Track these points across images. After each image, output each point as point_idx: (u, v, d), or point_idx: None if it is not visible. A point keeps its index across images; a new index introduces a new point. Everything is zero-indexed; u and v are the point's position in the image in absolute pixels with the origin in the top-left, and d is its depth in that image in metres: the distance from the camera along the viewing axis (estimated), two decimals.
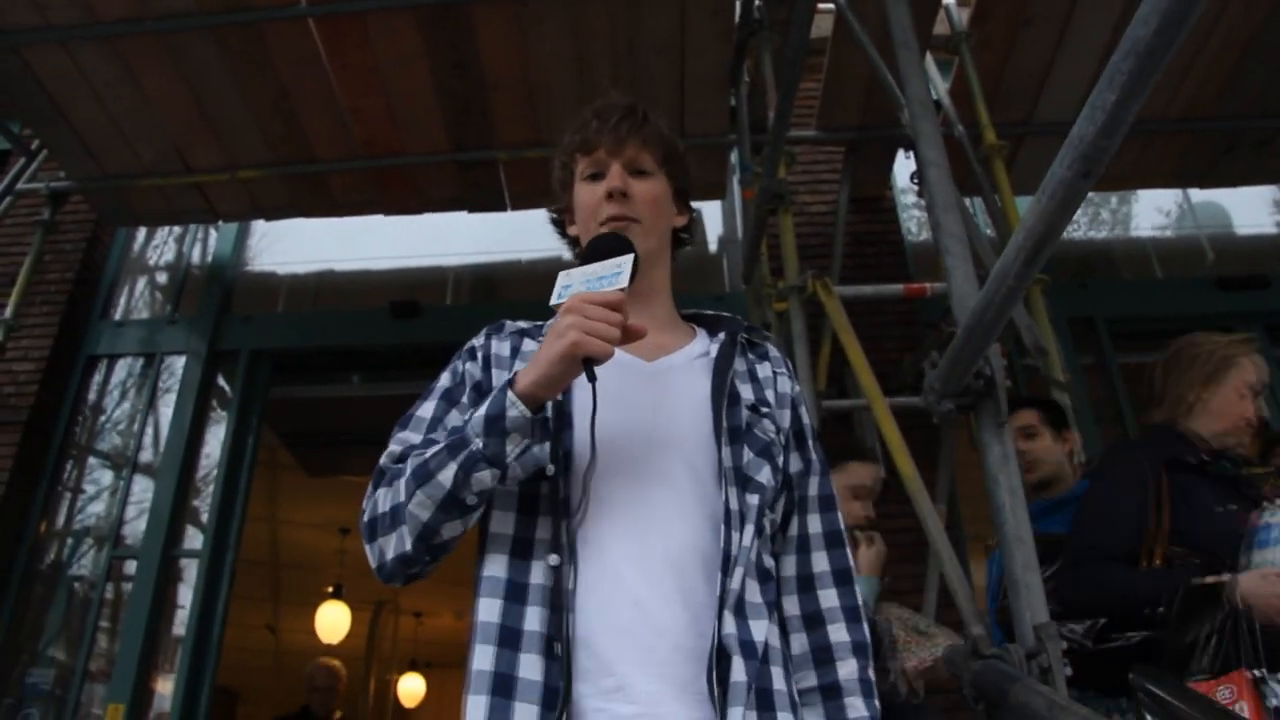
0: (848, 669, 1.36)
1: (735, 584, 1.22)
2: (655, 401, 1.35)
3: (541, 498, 1.28)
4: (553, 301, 1.27)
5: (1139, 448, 2.59)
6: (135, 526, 4.98)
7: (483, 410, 1.22)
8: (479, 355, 1.46)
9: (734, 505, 1.27)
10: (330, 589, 9.26)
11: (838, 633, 1.38)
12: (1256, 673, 1.98)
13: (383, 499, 1.29)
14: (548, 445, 1.27)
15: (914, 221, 5.58)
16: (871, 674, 1.38)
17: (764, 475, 1.33)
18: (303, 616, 9.57)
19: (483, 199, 5.16)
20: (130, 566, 4.89)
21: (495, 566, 1.27)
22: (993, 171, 4.16)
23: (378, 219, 5.37)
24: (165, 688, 4.67)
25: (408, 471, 1.26)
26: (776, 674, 1.25)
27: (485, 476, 1.20)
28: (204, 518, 4.99)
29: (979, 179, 4.26)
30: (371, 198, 5.15)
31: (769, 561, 1.34)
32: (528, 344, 1.47)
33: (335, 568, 9.35)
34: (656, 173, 1.52)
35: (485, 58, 4.35)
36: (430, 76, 4.44)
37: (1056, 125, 4.84)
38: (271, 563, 9.34)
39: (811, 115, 5.05)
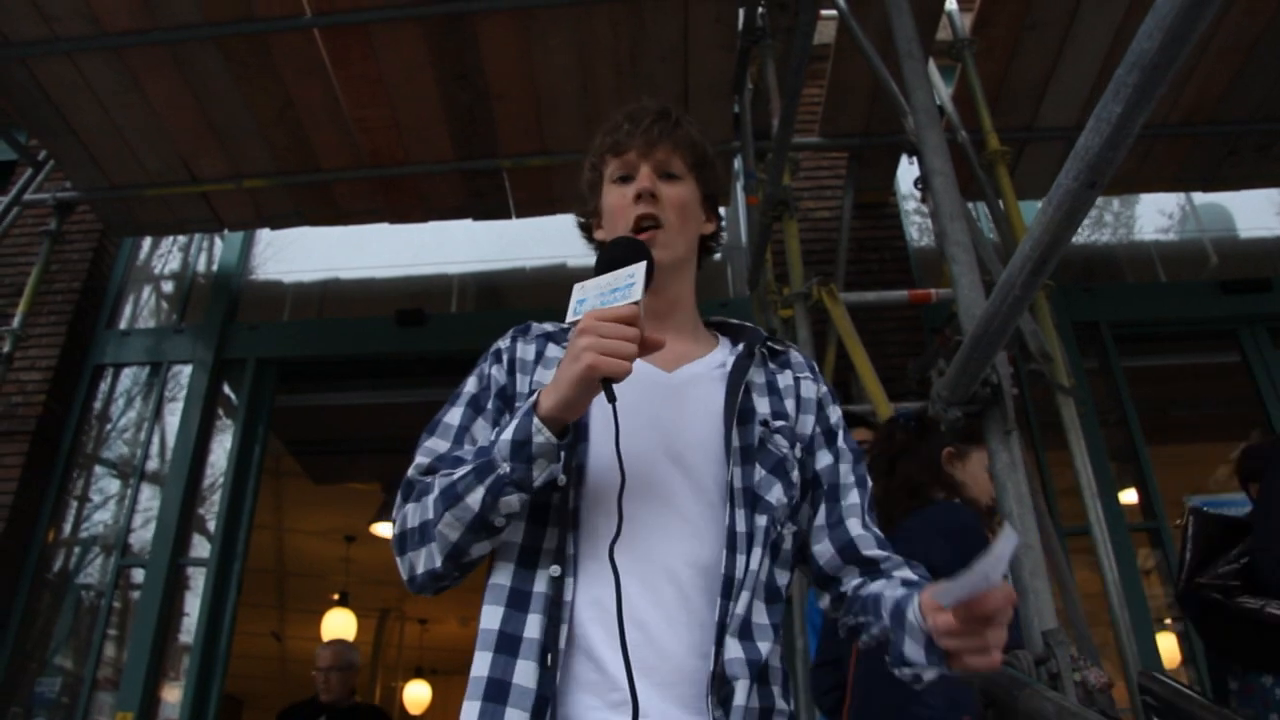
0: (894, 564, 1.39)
1: (740, 608, 1.22)
2: (671, 417, 1.34)
3: (551, 508, 1.28)
4: (568, 319, 1.25)
5: None
6: (142, 535, 5.00)
7: (509, 434, 1.21)
8: (504, 358, 1.45)
9: (740, 527, 1.26)
10: (336, 596, 9.28)
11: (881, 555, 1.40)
12: None
13: (412, 514, 1.29)
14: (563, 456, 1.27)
15: (916, 227, 5.59)
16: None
17: (775, 494, 1.32)
18: (308, 624, 9.58)
19: (487, 207, 5.18)
20: (138, 575, 4.91)
21: (502, 575, 1.28)
22: (996, 177, 4.17)
23: (382, 227, 5.38)
24: (173, 696, 4.69)
25: (435, 491, 1.26)
26: (777, 693, 1.25)
27: (513, 500, 1.20)
28: (211, 526, 5.01)
29: (982, 184, 4.26)
30: (376, 206, 5.17)
31: (781, 580, 1.32)
32: (552, 349, 1.46)
33: (341, 575, 9.37)
34: (686, 177, 1.50)
35: (490, 68, 4.37)
36: (435, 86, 4.45)
37: (1059, 130, 4.86)
38: (277, 570, 9.35)
39: (815, 122, 5.07)
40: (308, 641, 9.86)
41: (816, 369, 1.52)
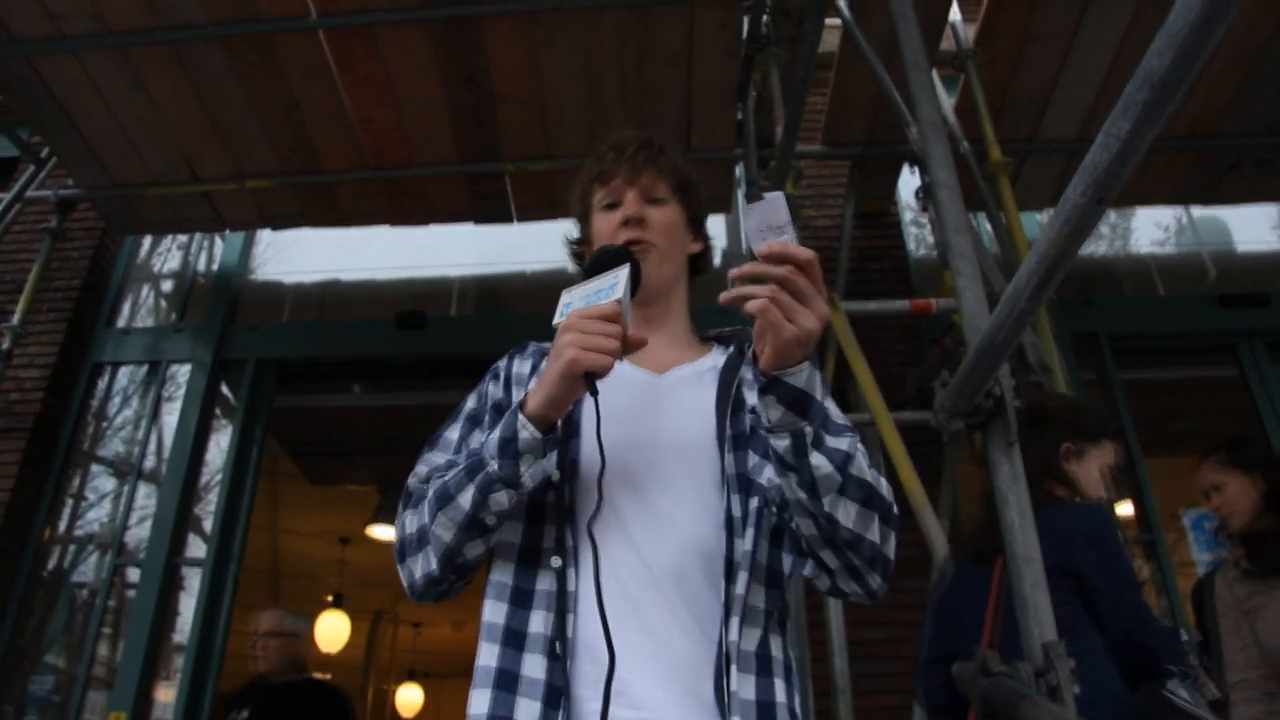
0: None
1: (740, 589, 1.24)
2: (662, 412, 1.38)
3: (548, 506, 1.32)
4: (555, 321, 1.28)
5: None
6: (138, 534, 4.99)
7: (496, 433, 1.26)
8: (500, 376, 1.51)
9: (736, 511, 1.30)
10: (330, 598, 9.26)
11: None
12: None
13: (410, 521, 1.33)
14: (555, 454, 1.31)
15: (916, 237, 5.60)
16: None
17: (766, 476, 1.34)
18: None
19: (490, 211, 5.18)
20: (133, 574, 4.90)
21: (503, 573, 1.31)
22: (998, 188, 4.18)
23: (383, 229, 5.38)
24: (167, 696, 4.67)
25: (430, 494, 1.30)
26: (779, 686, 1.26)
27: (502, 497, 1.24)
28: (207, 526, 5.00)
29: (984, 195, 4.28)
30: (379, 208, 5.17)
31: (780, 564, 1.34)
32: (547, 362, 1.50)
33: (335, 577, 9.35)
34: (671, 200, 1.56)
35: (495, 71, 4.38)
36: (440, 89, 4.46)
37: (1061, 142, 4.87)
38: (271, 571, 9.34)
39: (817, 130, 5.07)
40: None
41: None
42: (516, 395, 1.46)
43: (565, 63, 4.35)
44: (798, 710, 1.29)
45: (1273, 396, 4.91)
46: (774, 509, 1.32)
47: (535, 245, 5.56)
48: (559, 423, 1.28)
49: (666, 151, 1.59)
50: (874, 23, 4.07)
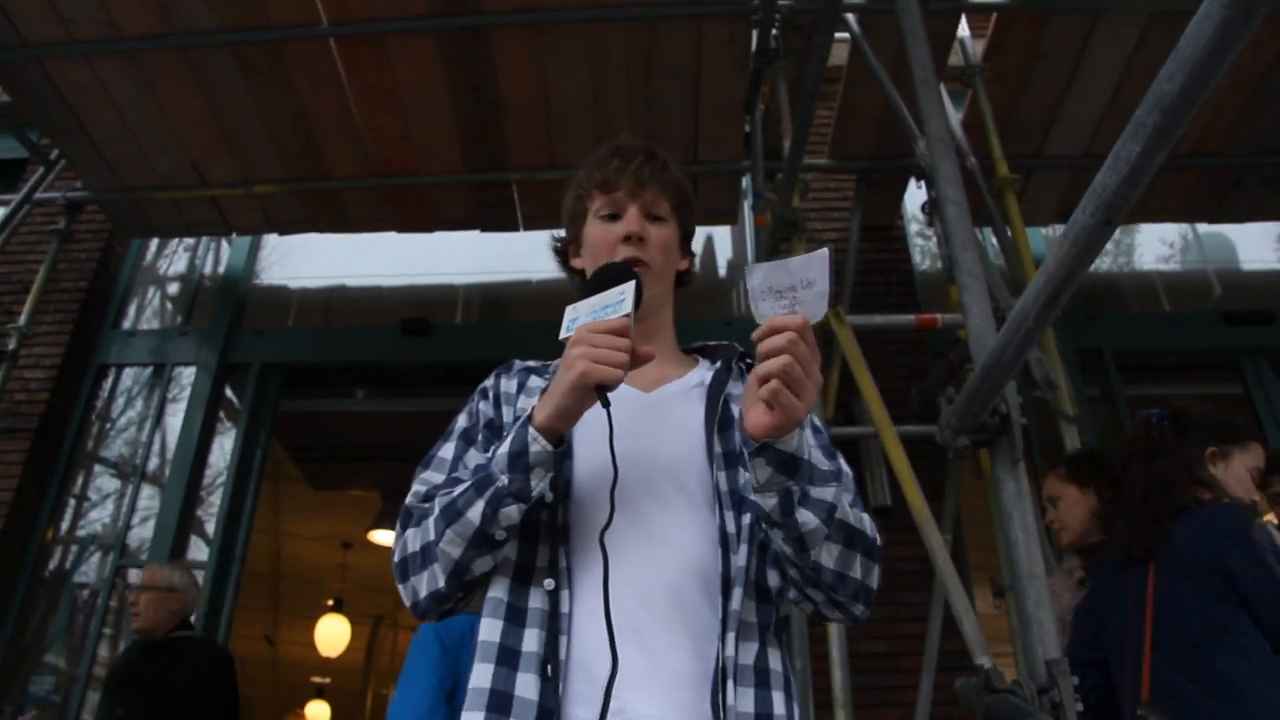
0: None
1: (735, 605, 1.24)
2: (652, 430, 1.37)
3: (541, 525, 1.31)
4: (562, 335, 1.28)
5: None
6: (141, 535, 5.00)
7: (505, 447, 1.25)
8: (490, 395, 1.51)
9: (730, 528, 1.30)
10: (330, 602, 9.26)
11: None
12: None
13: (412, 539, 1.32)
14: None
15: (921, 250, 5.61)
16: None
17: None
18: (302, 629, 9.57)
19: (495, 219, 5.20)
20: (135, 575, 4.90)
21: (498, 589, 1.31)
22: (1004, 203, 4.19)
23: (388, 236, 5.40)
24: None
25: (436, 510, 1.29)
26: (777, 699, 1.25)
27: (512, 511, 1.24)
28: (210, 529, 5.01)
29: (990, 210, 4.28)
30: (385, 215, 5.19)
31: (769, 581, 1.33)
32: (534, 380, 1.52)
33: (336, 581, 9.35)
34: (670, 218, 1.56)
35: (503, 81, 4.39)
36: (448, 98, 4.48)
37: (1067, 159, 4.88)
38: (272, 574, 9.34)
39: (824, 143, 5.09)
40: (301, 647, 9.86)
41: None
42: (505, 413, 1.47)
43: (572, 74, 4.37)
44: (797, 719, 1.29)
45: (1277, 413, 4.91)
46: (764, 525, 1.31)
47: (541, 254, 5.51)
48: (566, 436, 1.28)
49: (670, 167, 1.58)
50: (882, 38, 4.08)
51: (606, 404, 1.22)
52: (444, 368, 5.39)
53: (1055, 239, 5.57)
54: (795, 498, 1.19)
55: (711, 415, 1.39)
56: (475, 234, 5.36)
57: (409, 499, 1.38)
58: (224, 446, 5.27)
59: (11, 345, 4.83)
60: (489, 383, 1.54)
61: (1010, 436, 1.83)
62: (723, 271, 5.72)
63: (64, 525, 5.11)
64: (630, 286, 1.27)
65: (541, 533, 1.31)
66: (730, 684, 1.19)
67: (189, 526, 5.03)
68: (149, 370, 5.50)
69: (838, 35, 4.11)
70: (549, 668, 1.20)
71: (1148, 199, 5.03)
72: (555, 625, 1.23)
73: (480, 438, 1.45)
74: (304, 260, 5.96)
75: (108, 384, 5.50)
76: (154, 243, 6.05)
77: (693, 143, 4.71)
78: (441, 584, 1.28)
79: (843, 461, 1.41)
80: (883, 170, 5.08)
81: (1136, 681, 2.33)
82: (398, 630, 11.13)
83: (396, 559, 1.35)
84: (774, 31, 4.45)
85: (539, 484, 1.24)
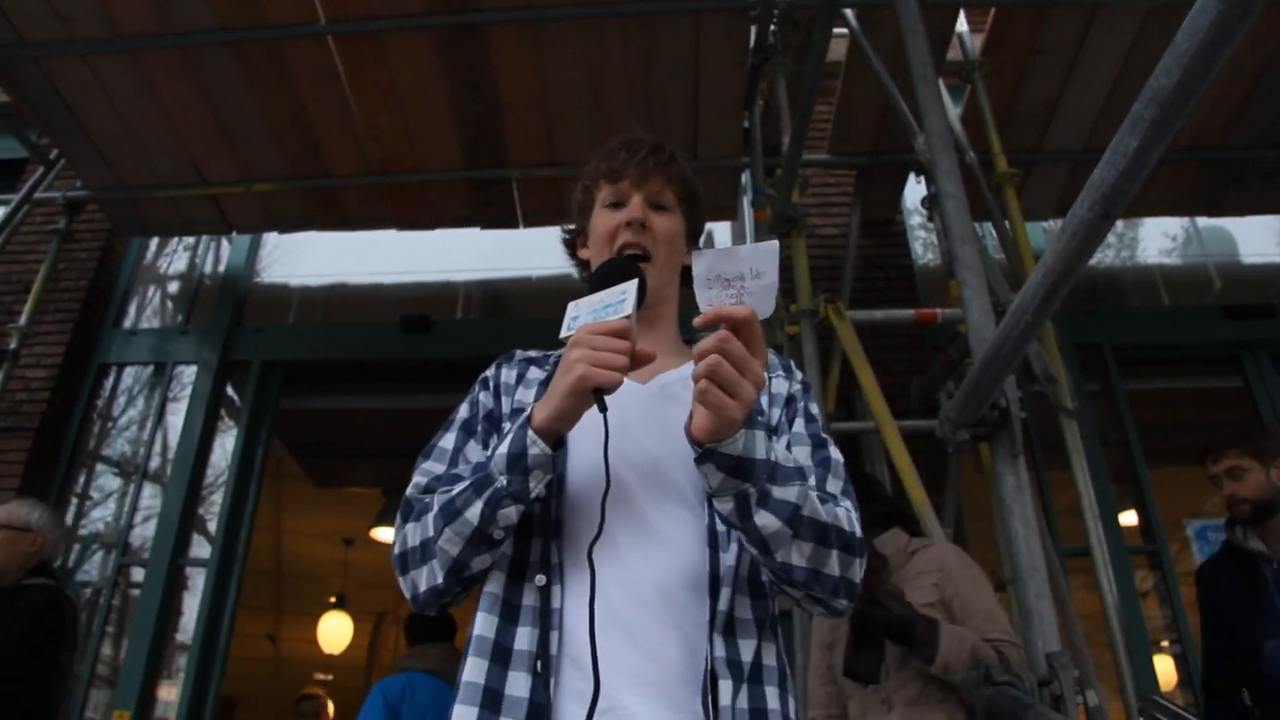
0: None
1: (723, 605, 1.24)
2: (646, 426, 1.37)
3: (534, 519, 1.32)
4: (562, 334, 1.28)
5: None
6: (143, 534, 5.01)
7: (504, 448, 1.25)
8: (490, 385, 1.52)
9: (720, 526, 1.29)
10: (332, 599, 9.27)
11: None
12: None
13: (412, 533, 1.33)
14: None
15: (922, 244, 5.62)
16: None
17: None
18: (304, 626, 9.57)
19: (495, 216, 5.20)
20: (138, 574, 4.91)
21: (494, 584, 1.31)
22: (1004, 198, 4.19)
23: (389, 233, 5.40)
24: (170, 695, 4.69)
25: (435, 508, 1.29)
26: (771, 694, 1.25)
27: (511, 512, 1.24)
28: (211, 527, 5.02)
29: (989, 205, 4.29)
30: (385, 213, 5.19)
31: (764, 575, 1.33)
32: (533, 371, 1.53)
33: (338, 578, 9.36)
34: (675, 210, 1.56)
35: (501, 78, 4.40)
36: (447, 95, 4.48)
37: (1066, 153, 4.89)
38: (274, 572, 9.35)
39: (823, 139, 5.09)
40: (303, 644, 9.86)
41: (792, 367, 1.55)
42: (505, 403, 1.48)
43: (571, 71, 4.37)
44: (793, 716, 1.29)
45: (1277, 407, 4.91)
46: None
47: (540, 251, 5.58)
48: (565, 436, 1.29)
49: (677, 160, 1.59)
50: (881, 33, 4.08)
51: (604, 408, 1.20)
52: (444, 364, 5.40)
53: (1055, 233, 5.57)
54: (753, 500, 1.16)
55: None
56: (475, 231, 5.36)
57: (409, 490, 1.38)
58: (225, 444, 5.27)
59: (12, 344, 4.83)
60: (490, 373, 1.55)
61: (1010, 430, 1.83)
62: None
63: (66, 524, 5.11)
64: (633, 285, 1.26)
65: (535, 528, 1.32)
66: (721, 683, 1.20)
67: (191, 524, 5.04)
68: (150, 369, 5.50)
69: (837, 30, 4.11)
70: (539, 663, 1.21)
71: (1147, 192, 5.03)
72: (547, 621, 1.24)
73: (480, 429, 1.46)
74: (304, 258, 5.96)
75: (109, 383, 5.50)
76: (154, 241, 6.05)
77: (692, 139, 4.71)
78: (440, 580, 1.29)
79: (832, 450, 1.39)
80: (882, 165, 5.08)
81: None
82: (400, 626, 11.13)
83: (396, 552, 1.35)
84: (773, 27, 4.45)
85: (537, 485, 1.24)
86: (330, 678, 11.17)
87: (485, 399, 1.50)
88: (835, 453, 1.39)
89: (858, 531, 1.27)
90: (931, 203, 4.14)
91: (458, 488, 1.28)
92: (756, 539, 1.18)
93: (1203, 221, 5.79)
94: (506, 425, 1.42)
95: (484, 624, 1.27)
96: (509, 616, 1.27)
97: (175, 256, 6.05)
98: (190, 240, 6.02)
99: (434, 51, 4.27)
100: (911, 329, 4.87)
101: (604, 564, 1.23)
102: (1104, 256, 5.83)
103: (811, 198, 5.36)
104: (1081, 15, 4.26)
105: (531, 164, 4.86)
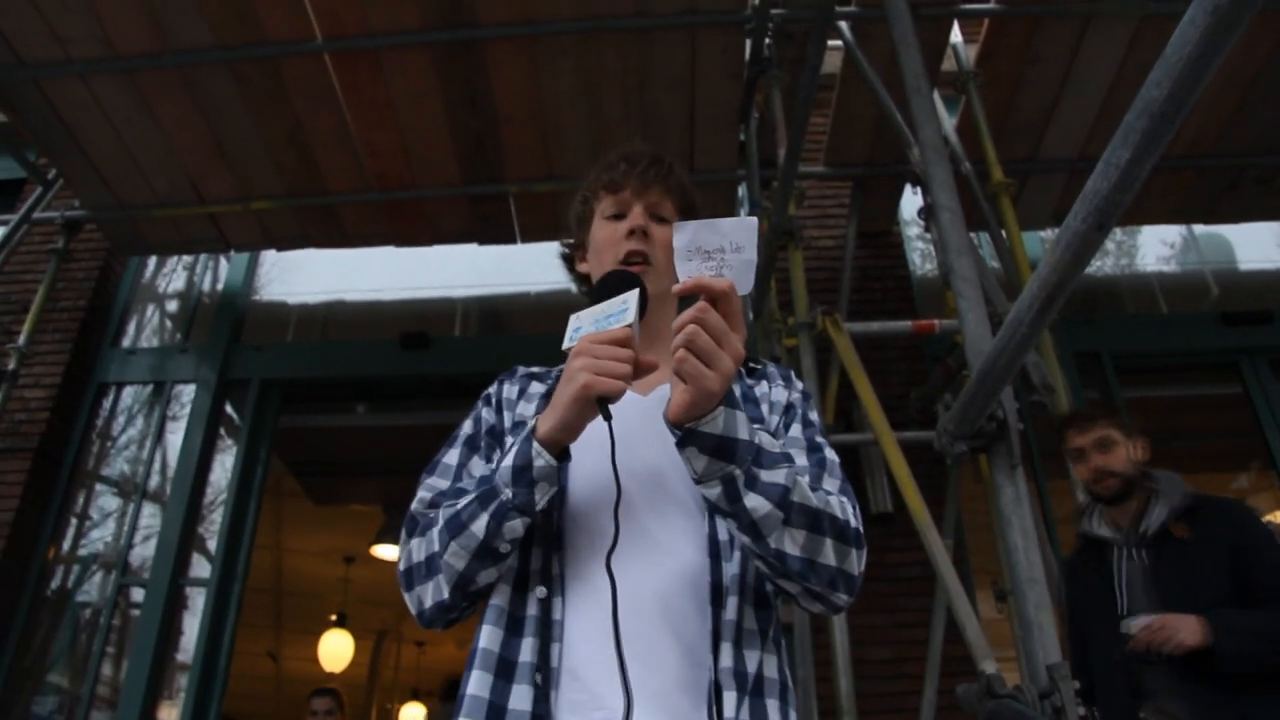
0: None
1: (730, 614, 1.24)
2: (647, 437, 1.36)
3: (535, 531, 1.31)
4: (565, 345, 1.27)
5: None
6: (143, 554, 4.99)
7: (509, 460, 1.25)
8: (493, 400, 1.53)
9: (723, 536, 1.29)
10: (333, 617, 9.25)
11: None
12: None
13: (417, 549, 1.32)
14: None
15: (919, 255, 5.62)
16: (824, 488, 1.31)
17: None
18: (305, 644, 9.54)
19: (493, 232, 5.21)
20: (138, 594, 4.90)
21: (499, 596, 1.31)
22: (1000, 208, 4.20)
23: (387, 250, 5.41)
24: (171, 716, 4.67)
25: (440, 523, 1.29)
26: (772, 706, 1.24)
27: (516, 525, 1.24)
28: (211, 546, 5.00)
29: (985, 214, 4.30)
30: (383, 230, 5.20)
31: (768, 585, 1.32)
32: (535, 385, 1.53)
33: (339, 596, 9.34)
34: (674, 221, 1.55)
35: (498, 93, 4.41)
36: (443, 111, 4.49)
37: (1061, 162, 4.90)
38: (275, 590, 9.33)
39: (819, 151, 5.10)
40: (304, 663, 9.83)
41: (792, 377, 1.54)
42: (507, 418, 1.48)
43: (567, 85, 4.38)
44: None
45: (1276, 413, 4.91)
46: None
47: (538, 266, 5.59)
48: (570, 448, 1.28)
49: (676, 171, 1.60)
50: (875, 45, 4.10)
51: (608, 417, 1.20)
52: (443, 380, 5.40)
53: (1051, 243, 5.57)
54: (740, 483, 1.15)
55: None
56: (473, 247, 5.37)
57: (414, 505, 1.38)
58: (224, 463, 5.27)
59: (11, 365, 4.83)
60: (492, 389, 1.55)
61: (1008, 442, 1.83)
62: None
63: (65, 544, 5.11)
64: (634, 295, 1.26)
65: (536, 539, 1.31)
66: (725, 694, 1.19)
67: (190, 544, 5.02)
68: (149, 388, 5.50)
69: (831, 43, 4.12)
70: (539, 676, 1.20)
71: (1143, 200, 5.05)
72: (548, 633, 1.24)
73: (483, 444, 1.46)
74: (302, 275, 5.97)
75: (108, 402, 5.50)
76: (152, 260, 6.06)
77: (688, 152, 4.72)
78: (446, 595, 1.28)
79: (829, 451, 1.38)
80: (878, 176, 5.10)
81: None
82: (401, 644, 11.11)
83: (401, 568, 1.35)
84: (767, 40, 4.47)
85: (543, 497, 1.24)
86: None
87: (488, 414, 1.50)
88: (831, 454, 1.38)
89: (853, 522, 1.25)
90: (928, 214, 4.15)
91: (462, 502, 1.28)
92: (747, 523, 1.16)
93: (1199, 228, 5.80)
94: (509, 439, 1.42)
95: (489, 637, 1.27)
96: (512, 629, 1.26)
97: (174, 275, 6.06)
98: (188, 259, 6.02)
99: (430, 67, 4.29)
100: (909, 340, 4.87)
101: (604, 574, 1.23)
102: (1102, 264, 5.84)
103: (808, 210, 5.38)
104: (1075, 25, 4.28)
105: (528, 179, 4.88)
